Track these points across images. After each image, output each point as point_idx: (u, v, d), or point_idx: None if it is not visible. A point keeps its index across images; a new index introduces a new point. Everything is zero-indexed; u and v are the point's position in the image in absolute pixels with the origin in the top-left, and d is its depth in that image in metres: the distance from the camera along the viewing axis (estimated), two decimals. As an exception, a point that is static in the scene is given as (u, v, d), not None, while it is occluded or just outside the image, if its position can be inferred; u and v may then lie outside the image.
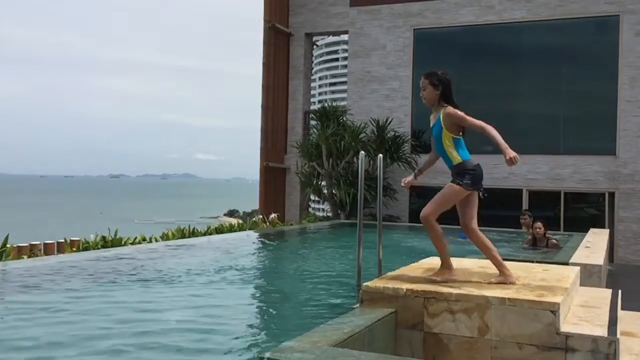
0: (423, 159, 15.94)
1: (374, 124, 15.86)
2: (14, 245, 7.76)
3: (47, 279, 5.71)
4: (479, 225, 4.92)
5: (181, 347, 3.71)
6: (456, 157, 4.72)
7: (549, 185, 15.09)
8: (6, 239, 7.47)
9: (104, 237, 8.77)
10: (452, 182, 4.69)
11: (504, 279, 4.42)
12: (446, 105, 4.80)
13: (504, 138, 4.58)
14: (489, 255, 4.66)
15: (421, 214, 4.64)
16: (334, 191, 15.48)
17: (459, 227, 4.96)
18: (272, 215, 13.66)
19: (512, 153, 4.41)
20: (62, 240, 8.79)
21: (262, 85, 17.33)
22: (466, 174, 4.67)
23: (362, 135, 15.50)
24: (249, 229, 12.04)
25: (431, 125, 4.91)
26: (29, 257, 7.55)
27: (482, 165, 4.92)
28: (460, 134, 4.76)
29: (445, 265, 4.64)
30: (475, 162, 4.73)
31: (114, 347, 3.65)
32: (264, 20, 17.23)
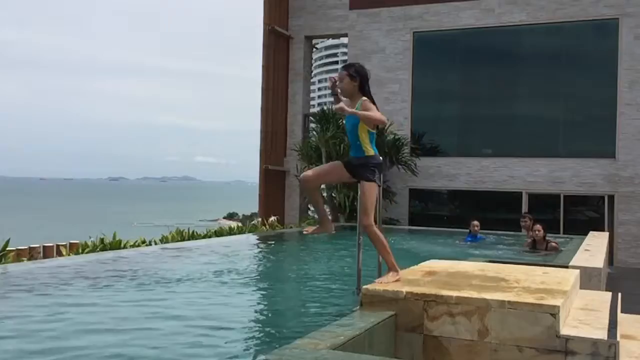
0: (423, 161, 16.02)
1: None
2: (14, 249, 7.75)
3: (46, 282, 5.70)
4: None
5: (180, 350, 3.70)
6: (369, 150, 4.85)
7: (548, 188, 15.10)
8: (7, 242, 7.46)
9: (102, 240, 8.77)
10: (364, 180, 4.81)
11: (391, 277, 4.64)
12: (364, 98, 4.84)
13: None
14: (382, 252, 4.86)
15: (364, 225, 4.79)
16: (333, 194, 15.48)
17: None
18: (272, 218, 13.66)
19: (345, 108, 4.59)
20: (62, 243, 8.78)
21: (262, 88, 17.34)
22: (375, 169, 4.85)
23: (362, 138, 15.49)
24: (249, 232, 12.03)
25: (346, 115, 4.89)
26: (29, 260, 7.54)
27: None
28: (375, 129, 4.89)
29: (394, 269, 4.78)
30: (380, 158, 4.91)
31: (113, 349, 3.65)
32: (264, 23, 17.24)
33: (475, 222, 11.31)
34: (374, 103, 4.83)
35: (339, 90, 4.93)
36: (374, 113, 4.67)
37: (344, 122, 4.96)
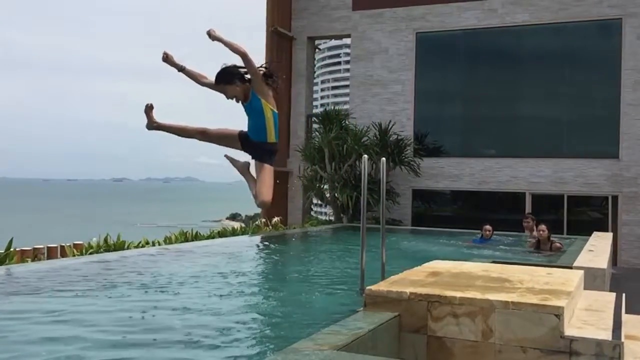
0: (426, 162, 16.01)
1: (377, 128, 15.87)
2: (18, 249, 7.77)
3: (50, 282, 5.71)
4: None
5: (182, 351, 3.71)
6: (272, 135, 4.83)
7: (552, 188, 15.07)
8: (10, 242, 7.48)
9: (106, 241, 8.78)
10: (263, 161, 4.85)
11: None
12: (247, 83, 4.77)
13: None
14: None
15: (266, 200, 4.86)
16: (336, 195, 15.47)
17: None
18: (275, 219, 13.65)
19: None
20: (65, 244, 8.79)
21: (265, 89, 17.32)
22: (273, 156, 4.92)
23: (365, 138, 15.51)
24: (252, 233, 12.04)
25: (245, 104, 4.83)
26: (33, 260, 7.56)
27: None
28: (275, 107, 4.83)
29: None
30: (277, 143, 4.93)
31: (115, 351, 3.65)
32: (267, 24, 17.26)
33: (488, 227, 11.26)
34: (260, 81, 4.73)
35: (181, 64, 4.84)
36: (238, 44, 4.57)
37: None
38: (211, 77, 4.86)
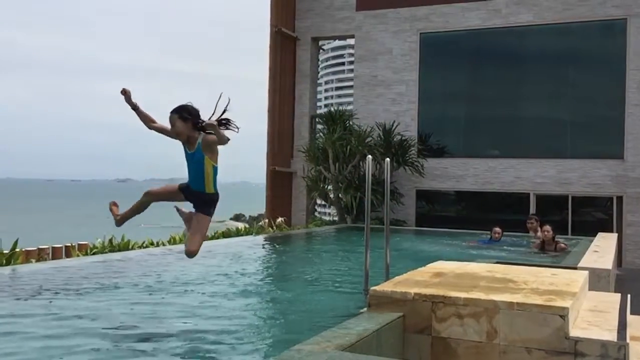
0: (430, 163, 15.99)
1: (381, 128, 15.86)
2: (23, 249, 7.79)
3: (54, 282, 5.73)
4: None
5: (188, 351, 3.71)
6: (211, 186, 5.05)
7: (556, 189, 15.04)
8: (15, 243, 7.50)
9: (111, 241, 8.80)
10: (202, 213, 5.08)
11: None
12: (200, 133, 4.98)
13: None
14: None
15: (193, 250, 5.04)
16: (340, 195, 15.47)
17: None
18: (279, 220, 13.66)
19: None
20: (70, 244, 8.81)
21: (269, 90, 17.35)
22: (213, 206, 5.12)
23: (369, 139, 15.50)
24: (256, 233, 12.05)
25: (189, 151, 5.07)
26: (37, 261, 7.58)
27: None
28: (217, 162, 5.06)
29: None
30: (218, 193, 5.17)
31: (118, 351, 3.66)
32: (271, 24, 17.26)
33: (497, 229, 11.25)
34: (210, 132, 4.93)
35: (135, 103, 5.05)
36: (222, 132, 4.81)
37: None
38: (160, 122, 5.14)
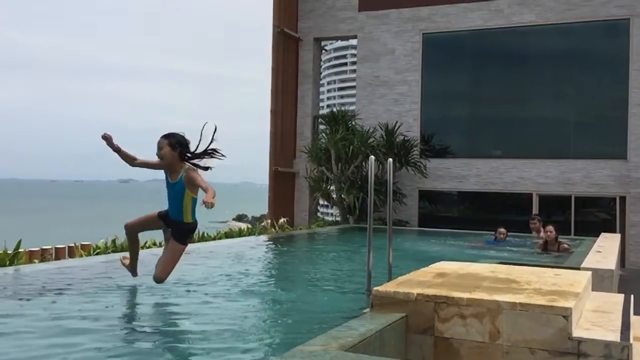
0: (432, 163, 15.98)
1: (383, 129, 15.86)
2: (26, 250, 7.81)
3: (57, 283, 5.74)
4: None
5: (190, 352, 3.72)
6: (189, 216, 5.26)
7: (559, 189, 15.02)
8: (19, 243, 7.52)
9: (114, 242, 8.80)
10: (178, 242, 5.29)
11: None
12: (186, 165, 5.18)
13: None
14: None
15: (161, 276, 5.28)
16: (342, 196, 15.47)
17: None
18: (281, 220, 13.66)
19: (210, 198, 4.80)
20: (73, 245, 8.82)
21: (271, 90, 17.36)
22: (190, 234, 5.36)
23: (371, 139, 15.50)
24: (258, 234, 12.05)
25: (170, 181, 5.23)
26: (41, 261, 7.59)
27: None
28: (197, 194, 5.23)
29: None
30: (196, 222, 5.38)
31: (120, 351, 3.66)
32: (273, 25, 17.28)
33: (502, 230, 11.24)
34: (195, 165, 5.19)
35: (117, 145, 5.18)
36: (208, 186, 5.00)
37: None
38: (141, 158, 5.36)
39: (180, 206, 5.20)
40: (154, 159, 5.28)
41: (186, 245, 5.37)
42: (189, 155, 5.20)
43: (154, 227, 5.57)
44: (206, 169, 5.31)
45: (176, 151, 5.13)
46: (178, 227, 5.27)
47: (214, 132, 5.17)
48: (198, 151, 5.26)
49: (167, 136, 5.20)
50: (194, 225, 5.34)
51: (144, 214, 5.61)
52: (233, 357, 3.61)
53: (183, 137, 5.23)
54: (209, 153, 5.26)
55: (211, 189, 4.94)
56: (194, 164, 5.22)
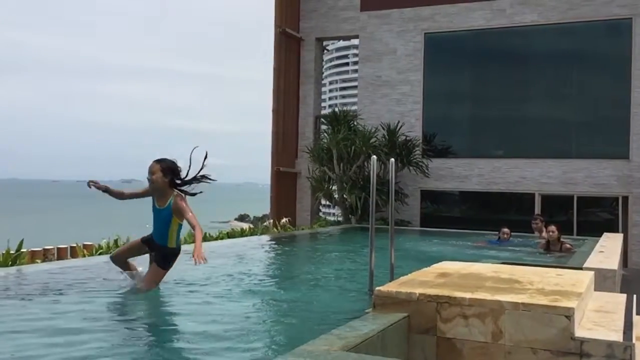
0: (435, 163, 15.97)
1: (385, 129, 15.85)
2: (28, 250, 7.81)
3: (59, 282, 5.74)
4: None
5: (191, 352, 3.72)
6: (173, 242, 5.36)
7: (561, 189, 15.00)
8: (21, 243, 7.52)
9: (116, 242, 8.81)
10: (159, 266, 5.38)
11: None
12: (175, 191, 5.27)
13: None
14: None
15: (144, 288, 5.35)
16: (344, 196, 15.46)
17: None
18: (284, 220, 13.66)
19: (200, 252, 4.85)
20: (75, 245, 8.83)
21: (273, 90, 17.37)
22: (172, 260, 5.41)
23: (373, 139, 15.49)
24: (261, 234, 12.05)
25: (158, 206, 5.33)
26: (43, 261, 7.60)
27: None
28: (183, 220, 5.32)
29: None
30: (180, 247, 5.47)
31: (122, 350, 3.66)
32: (275, 25, 17.28)
33: (506, 230, 11.23)
34: (183, 192, 5.28)
35: (105, 186, 5.36)
36: (196, 223, 5.09)
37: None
38: (128, 190, 5.62)
39: (165, 231, 5.31)
40: (140, 188, 5.51)
41: (166, 271, 5.44)
42: (178, 182, 5.30)
43: (138, 254, 5.66)
44: (194, 194, 5.42)
45: (167, 178, 5.24)
46: (161, 252, 5.37)
47: (205, 159, 5.27)
48: (188, 177, 5.35)
49: (159, 161, 5.29)
50: (177, 250, 5.43)
51: (129, 242, 5.84)
52: (235, 357, 3.61)
53: (174, 163, 5.34)
54: (198, 179, 5.35)
55: (198, 228, 5.06)
56: (182, 191, 5.31)
